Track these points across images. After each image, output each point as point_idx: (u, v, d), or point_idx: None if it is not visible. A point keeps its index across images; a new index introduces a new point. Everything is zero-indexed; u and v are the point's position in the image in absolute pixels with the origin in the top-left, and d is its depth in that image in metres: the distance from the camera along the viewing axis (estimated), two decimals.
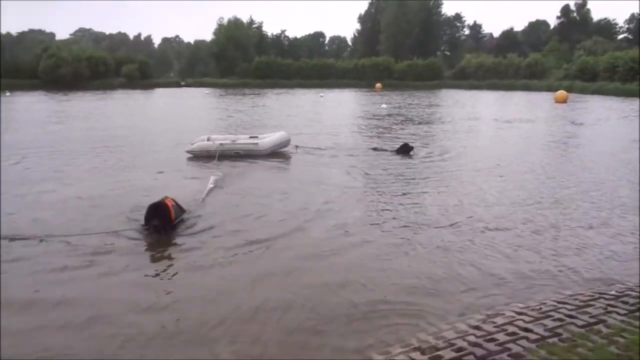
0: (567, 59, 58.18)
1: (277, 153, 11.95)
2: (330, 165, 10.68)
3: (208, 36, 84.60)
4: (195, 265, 5.09)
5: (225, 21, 73.61)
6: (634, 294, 4.28)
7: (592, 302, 4.10)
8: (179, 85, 64.71)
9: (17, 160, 11.17)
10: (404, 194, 8.10)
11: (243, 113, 24.82)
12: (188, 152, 11.63)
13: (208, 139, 11.77)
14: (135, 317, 4.03)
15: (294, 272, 4.92)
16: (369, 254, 5.38)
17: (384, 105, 28.87)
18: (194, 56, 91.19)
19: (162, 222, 5.81)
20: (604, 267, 5.05)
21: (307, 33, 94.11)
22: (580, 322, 3.71)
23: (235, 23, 73.69)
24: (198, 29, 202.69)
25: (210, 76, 71.18)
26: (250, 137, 12.21)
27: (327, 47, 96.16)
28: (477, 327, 3.75)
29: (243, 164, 10.82)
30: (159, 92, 50.93)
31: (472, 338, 3.55)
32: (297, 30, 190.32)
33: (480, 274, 4.87)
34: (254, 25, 79.08)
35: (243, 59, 68.73)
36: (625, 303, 4.07)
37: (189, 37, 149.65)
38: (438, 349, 3.43)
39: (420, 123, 20.20)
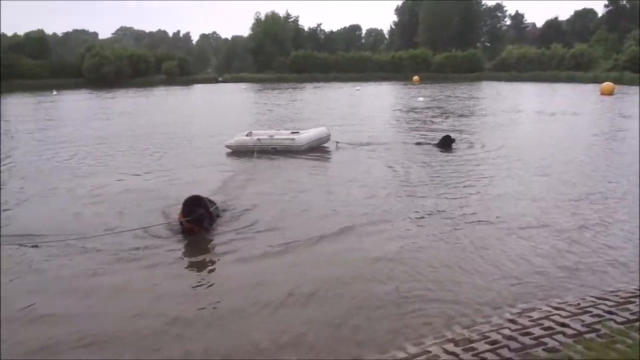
0: (616, 49, 55.60)
1: (317, 148, 11.92)
2: (372, 160, 10.60)
3: (245, 32, 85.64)
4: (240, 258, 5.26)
5: (262, 16, 74.29)
6: None
7: (633, 299, 4.02)
8: (216, 81, 65.74)
9: (71, 154, 11.82)
10: (446, 187, 8.05)
11: (282, 107, 25.08)
12: (227, 146, 11.87)
13: (248, 134, 11.92)
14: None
15: (330, 264, 5.02)
16: (411, 247, 5.42)
17: (420, 99, 28.51)
18: (231, 52, 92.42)
19: (203, 214, 5.87)
20: None
21: (343, 26, 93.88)
22: (619, 319, 3.65)
23: (272, 18, 74.17)
24: (235, 25, 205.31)
25: (247, 71, 71.97)
26: (292, 132, 12.20)
27: (363, 40, 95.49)
28: (512, 321, 3.75)
29: (281, 159, 10.93)
30: (198, 88, 52.00)
31: (506, 331, 3.55)
32: (333, 23, 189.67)
33: (519, 268, 4.84)
34: (290, 20, 79.36)
35: (280, 54, 69.15)
36: None
37: (226, 33, 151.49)
38: (472, 341, 3.45)
39: (460, 115, 19.90)
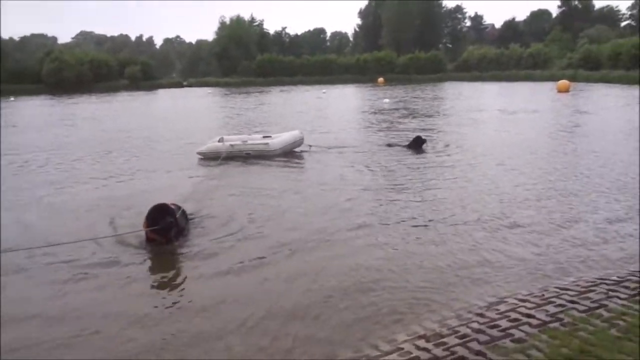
0: (570, 48, 57.79)
1: (290, 153, 11.74)
2: (345, 163, 10.56)
3: (209, 36, 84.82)
4: (218, 271, 5.07)
5: (227, 20, 73.77)
6: (634, 278, 4.36)
7: (593, 288, 4.18)
8: (181, 86, 64.90)
9: (42, 163, 11.50)
10: (418, 189, 8.12)
11: (249, 111, 24.96)
12: (199, 153, 11.54)
13: (220, 140, 11.70)
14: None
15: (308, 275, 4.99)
16: (385, 252, 5.43)
17: (386, 100, 28.89)
18: (195, 56, 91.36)
19: (171, 223, 5.66)
20: (608, 253, 5.13)
21: (308, 29, 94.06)
22: (581, 307, 3.80)
23: (237, 22, 73.77)
24: (199, 29, 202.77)
25: (212, 75, 71.29)
26: (264, 137, 12.05)
27: (328, 43, 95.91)
28: (480, 315, 3.85)
29: (252, 164, 10.83)
30: (162, 92, 51.12)
31: (475, 325, 3.65)
32: (298, 27, 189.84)
33: (486, 264, 4.97)
34: (254, 24, 79.09)
35: (245, 58, 68.81)
36: (627, 287, 4.15)
37: (190, 37, 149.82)
38: (442, 336, 3.53)
39: (426, 116, 20.26)
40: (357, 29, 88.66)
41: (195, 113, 25.77)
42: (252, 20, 78.57)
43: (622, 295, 3.98)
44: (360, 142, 13.31)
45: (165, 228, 5.61)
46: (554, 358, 3.10)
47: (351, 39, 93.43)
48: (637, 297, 3.93)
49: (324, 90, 42.61)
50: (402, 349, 3.42)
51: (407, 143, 12.22)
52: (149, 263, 5.40)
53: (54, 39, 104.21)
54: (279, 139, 11.73)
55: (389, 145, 12.62)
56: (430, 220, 6.41)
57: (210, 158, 11.23)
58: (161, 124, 19.89)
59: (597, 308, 3.77)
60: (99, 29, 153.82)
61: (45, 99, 39.82)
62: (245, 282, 4.81)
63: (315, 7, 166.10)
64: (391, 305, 4.15)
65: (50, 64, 53.39)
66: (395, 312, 4.03)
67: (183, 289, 4.80)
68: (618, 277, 4.43)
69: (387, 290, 4.45)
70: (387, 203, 7.38)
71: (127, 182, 9.30)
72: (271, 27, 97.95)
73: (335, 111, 23.68)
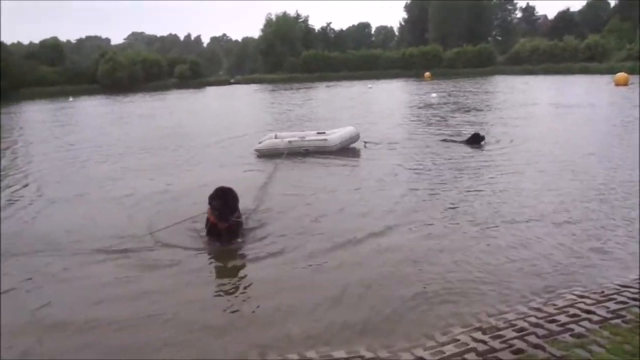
0: (630, 39, 54.80)
1: (346, 149, 11.65)
2: (401, 159, 10.46)
3: (255, 33, 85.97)
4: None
5: (273, 17, 74.72)
6: None
7: None
8: (228, 83, 66.38)
9: (100, 157, 12.22)
10: (475, 186, 7.99)
11: (298, 107, 25.27)
12: (256, 150, 11.47)
13: (276, 137, 11.71)
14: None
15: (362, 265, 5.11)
16: (442, 246, 5.45)
17: (433, 95, 28.49)
18: (242, 53, 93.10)
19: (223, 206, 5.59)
20: None
21: (353, 24, 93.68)
22: None
23: (283, 18, 74.60)
24: (245, 26, 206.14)
25: (259, 72, 72.50)
26: (318, 133, 11.99)
27: (373, 38, 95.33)
28: (538, 309, 3.84)
29: (313, 160, 10.81)
30: (211, 90, 52.49)
31: (533, 319, 3.65)
32: (342, 22, 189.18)
33: (543, 261, 4.91)
34: (300, 20, 79.69)
35: (290, 54, 69.54)
36: None
37: (236, 35, 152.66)
38: (499, 329, 3.56)
39: (476, 110, 19.89)
40: (402, 23, 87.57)
41: (245, 109, 26.36)
42: (298, 16, 79.24)
43: None
44: (415, 138, 13.15)
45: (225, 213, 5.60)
46: (616, 354, 3.08)
47: (397, 33, 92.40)
48: None
49: (369, 85, 42.48)
50: (459, 340, 3.48)
51: (464, 139, 11.98)
52: (210, 255, 5.64)
53: (108, 40, 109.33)
54: (337, 134, 11.59)
55: (444, 140, 12.44)
56: (495, 214, 6.37)
57: (267, 155, 11.14)
58: (214, 121, 20.48)
59: None
60: (149, 30, 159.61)
61: (101, 99, 41.66)
62: (302, 270, 5.02)
63: (360, 3, 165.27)
64: (447, 300, 4.19)
65: (105, 64, 55.83)
66: (452, 306, 4.07)
67: (246, 276, 5.05)
68: None
69: (441, 283, 4.49)
70: (443, 198, 7.36)
71: (187, 175, 9.68)
72: (316, 23, 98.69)
73: (383, 107, 23.55)
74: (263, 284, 4.75)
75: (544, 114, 17.92)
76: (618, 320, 3.51)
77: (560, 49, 58.85)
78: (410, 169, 9.62)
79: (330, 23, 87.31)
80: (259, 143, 11.66)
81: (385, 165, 9.92)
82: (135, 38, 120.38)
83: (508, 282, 4.46)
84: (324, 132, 12.00)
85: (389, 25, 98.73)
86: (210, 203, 5.66)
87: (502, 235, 5.66)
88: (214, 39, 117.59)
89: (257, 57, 79.10)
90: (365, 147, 11.93)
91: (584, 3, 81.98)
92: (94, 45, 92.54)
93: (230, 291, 4.67)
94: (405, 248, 5.44)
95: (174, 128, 17.92)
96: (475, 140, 11.67)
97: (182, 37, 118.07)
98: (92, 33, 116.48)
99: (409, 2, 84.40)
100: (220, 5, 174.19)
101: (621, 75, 31.66)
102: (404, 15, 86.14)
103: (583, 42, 57.54)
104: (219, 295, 4.62)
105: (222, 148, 13.03)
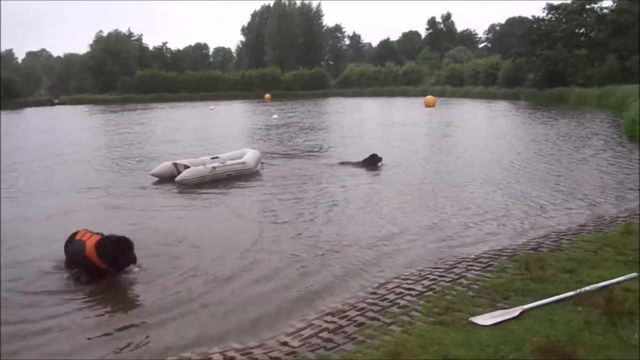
0: (438, 66, 64.12)
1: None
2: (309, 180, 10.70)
3: (80, 49, 79.48)
4: None
5: (104, 33, 70.26)
6: (486, 255, 5.58)
7: (456, 265, 5.31)
8: (52, 104, 60.44)
9: None
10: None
11: (148, 128, 24.46)
12: (179, 181, 10.48)
13: (174, 165, 11.19)
14: None
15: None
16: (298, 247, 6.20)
17: (275, 116, 29.90)
18: (65, 71, 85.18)
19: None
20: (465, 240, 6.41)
21: (189, 44, 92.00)
22: (448, 279, 4.86)
23: (115, 36, 70.56)
24: (66, 42, 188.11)
25: (88, 92, 67.13)
26: (212, 158, 11.73)
27: (211, 59, 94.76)
28: (373, 293, 4.74)
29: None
30: (30, 112, 47.09)
31: (370, 300, 4.52)
32: (178, 42, 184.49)
33: (375, 256, 5.93)
34: (133, 38, 76.21)
35: (124, 73, 65.91)
36: (480, 263, 5.32)
37: (57, 51, 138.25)
38: (344, 312, 4.33)
39: (319, 129, 21.60)
40: (240, 45, 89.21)
41: (81, 133, 23.94)
42: (130, 34, 75.71)
43: (477, 269, 5.13)
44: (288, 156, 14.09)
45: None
46: (428, 315, 4.04)
47: (235, 55, 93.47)
48: (488, 268, 5.10)
49: (211, 107, 42.57)
50: (314, 324, 4.16)
51: (360, 161, 12.00)
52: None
53: None
54: (249, 157, 11.75)
55: (342, 163, 12.46)
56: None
57: (191, 184, 10.44)
58: (66, 147, 18.64)
59: (459, 279, 4.86)
60: None
61: None
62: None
63: (196, 23, 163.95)
64: (302, 295, 4.89)
65: None
66: (305, 299, 4.77)
67: None
68: (474, 255, 5.63)
69: (294, 278, 5.18)
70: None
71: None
72: (150, 43, 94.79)
73: (234, 128, 24.00)
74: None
75: (377, 132, 20.37)
76: (430, 292, 4.55)
77: (384, 74, 66.29)
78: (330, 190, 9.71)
79: (167, 42, 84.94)
80: (185, 172, 10.66)
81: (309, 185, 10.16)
82: None
83: (351, 275, 5.35)
84: (218, 157, 11.89)
85: (227, 46, 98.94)
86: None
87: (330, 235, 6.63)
88: (30, 54, 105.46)
89: (85, 76, 73.24)
90: (262, 167, 12.15)
91: (400, 34, 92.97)
92: None
93: None
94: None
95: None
96: (372, 162, 11.73)
97: None
98: None
99: (245, 25, 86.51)
100: (37, 17, 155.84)
101: (429, 98, 37.31)
102: (242, 37, 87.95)
103: (402, 68, 65.54)
104: None
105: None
